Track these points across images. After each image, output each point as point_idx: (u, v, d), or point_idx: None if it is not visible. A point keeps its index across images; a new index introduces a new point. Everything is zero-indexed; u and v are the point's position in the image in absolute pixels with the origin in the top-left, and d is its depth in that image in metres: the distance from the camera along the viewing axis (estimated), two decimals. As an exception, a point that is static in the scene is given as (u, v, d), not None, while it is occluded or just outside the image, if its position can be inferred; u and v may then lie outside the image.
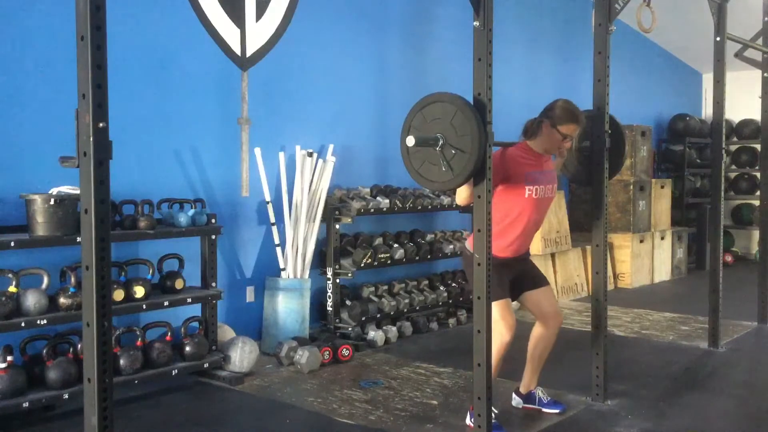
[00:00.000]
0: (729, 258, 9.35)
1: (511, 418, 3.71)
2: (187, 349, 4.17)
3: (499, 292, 3.47)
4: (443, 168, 2.98)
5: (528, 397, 3.83)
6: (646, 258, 8.07)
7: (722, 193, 5.19)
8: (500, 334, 3.44)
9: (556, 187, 3.68)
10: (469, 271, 3.40)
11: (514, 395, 3.88)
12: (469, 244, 3.53)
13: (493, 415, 3.42)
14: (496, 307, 3.39)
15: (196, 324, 4.36)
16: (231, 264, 4.99)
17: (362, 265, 5.22)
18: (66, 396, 3.60)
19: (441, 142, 2.96)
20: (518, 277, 3.63)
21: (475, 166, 2.90)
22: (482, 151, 2.89)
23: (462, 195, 3.22)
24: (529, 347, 3.78)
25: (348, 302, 5.30)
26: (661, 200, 8.40)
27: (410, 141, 2.96)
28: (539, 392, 3.82)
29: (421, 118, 3.06)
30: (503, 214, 3.49)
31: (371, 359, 4.85)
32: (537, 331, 3.73)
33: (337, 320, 5.21)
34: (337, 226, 5.22)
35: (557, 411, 3.77)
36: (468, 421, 3.55)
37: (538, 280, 3.70)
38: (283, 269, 5.06)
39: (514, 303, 3.69)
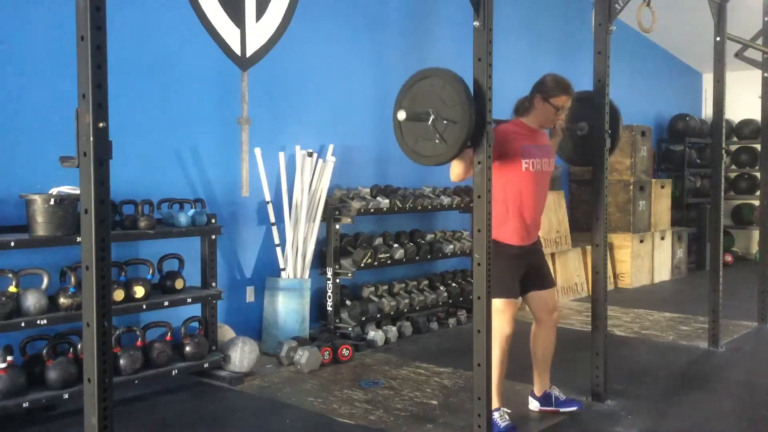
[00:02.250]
0: (729, 258, 9.35)
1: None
2: (187, 349, 4.17)
3: (510, 290, 3.50)
4: (437, 141, 3.02)
5: (545, 399, 3.79)
6: (646, 258, 8.07)
7: (722, 193, 5.19)
8: (500, 328, 3.45)
9: (554, 162, 3.69)
10: None
11: (530, 398, 3.85)
12: None
13: (507, 416, 3.51)
14: (502, 303, 3.44)
15: (196, 324, 4.36)
16: (231, 264, 4.99)
17: (362, 265, 5.22)
18: (66, 396, 3.60)
19: (432, 116, 3.00)
20: (529, 272, 3.60)
21: (467, 134, 2.94)
22: (473, 119, 2.93)
23: (456, 171, 3.27)
24: (532, 349, 3.79)
25: (348, 302, 5.29)
26: (661, 200, 8.40)
27: (401, 115, 3.00)
28: (555, 392, 3.79)
29: (410, 97, 3.11)
30: (502, 194, 3.47)
31: (371, 359, 4.85)
32: (535, 329, 3.76)
33: (337, 320, 5.21)
34: (337, 226, 5.22)
35: (575, 408, 3.76)
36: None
37: (547, 281, 3.70)
38: (283, 269, 5.06)
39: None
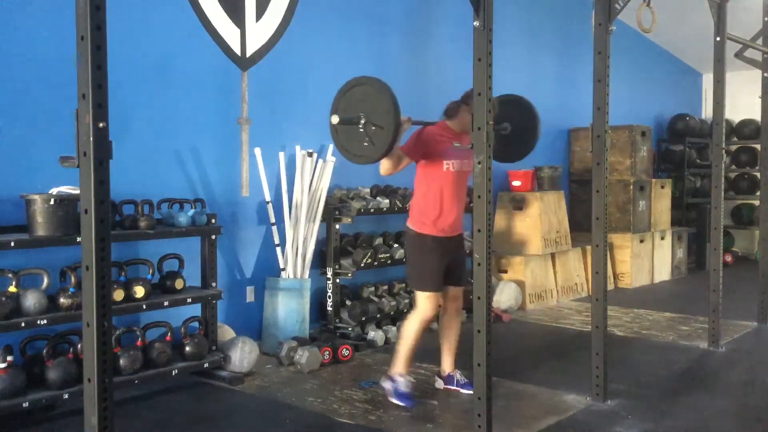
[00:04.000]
0: (729, 258, 9.34)
1: (511, 417, 3.71)
2: (187, 349, 4.17)
3: (438, 284, 3.89)
4: (366, 143, 3.33)
5: (447, 380, 4.16)
6: (646, 258, 8.07)
7: (722, 193, 5.19)
8: (424, 311, 3.88)
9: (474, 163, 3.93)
10: (409, 252, 4.02)
11: (437, 377, 4.21)
12: (411, 224, 3.95)
13: (408, 385, 3.93)
14: (429, 298, 3.85)
15: (196, 324, 4.36)
16: (231, 264, 4.99)
17: (362, 265, 5.22)
18: (66, 396, 3.60)
19: (363, 121, 3.30)
20: (449, 267, 3.97)
21: (393, 139, 3.31)
22: (397, 126, 3.32)
23: (384, 166, 3.73)
24: (440, 334, 4.17)
25: (348, 302, 5.30)
26: (661, 200, 8.40)
27: (335, 119, 3.32)
28: (457, 374, 4.15)
29: (346, 100, 3.41)
30: (425, 189, 3.91)
31: (371, 359, 4.85)
32: (443, 318, 4.15)
33: (337, 320, 5.21)
34: (337, 226, 5.22)
35: (471, 392, 3.91)
36: (383, 382, 3.99)
37: (462, 280, 4.12)
38: (283, 269, 5.06)
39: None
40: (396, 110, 3.29)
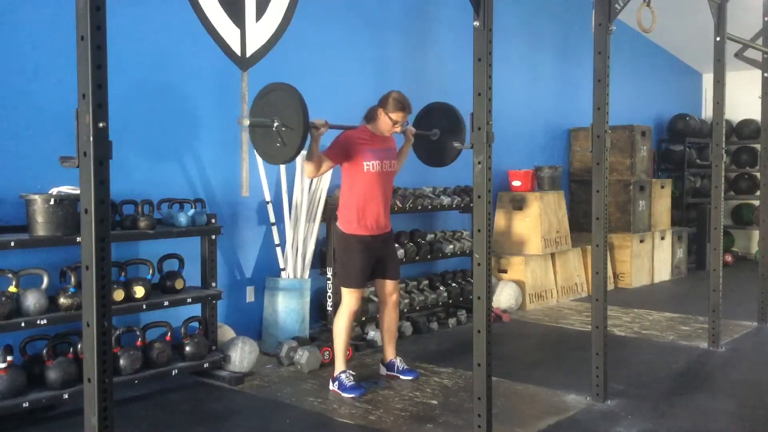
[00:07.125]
0: (729, 258, 9.34)
1: (511, 417, 3.71)
2: (187, 349, 4.17)
3: (360, 281, 4.13)
4: (278, 144, 3.50)
5: (389, 366, 4.43)
6: (646, 258, 8.06)
7: (722, 193, 5.19)
8: (348, 305, 4.15)
9: (396, 163, 4.26)
10: (337, 251, 4.24)
11: (380, 365, 4.48)
12: (339, 225, 4.16)
13: (352, 378, 4.15)
14: (353, 293, 4.11)
15: (196, 324, 4.36)
16: (231, 264, 4.99)
17: (362, 265, 5.21)
18: (66, 396, 3.60)
19: (276, 123, 3.45)
20: (378, 262, 4.22)
21: (302, 139, 3.46)
22: (306, 127, 3.47)
23: (307, 169, 3.99)
24: (380, 325, 4.46)
25: (348, 302, 5.29)
26: (661, 200, 8.40)
27: (245, 122, 3.44)
28: (398, 361, 4.43)
29: (262, 105, 3.57)
30: (350, 191, 4.12)
31: (371, 359, 4.85)
32: (380, 310, 4.43)
33: (337, 320, 5.20)
34: (337, 226, 5.21)
35: (410, 378, 4.35)
36: (331, 386, 4.16)
37: (390, 273, 4.32)
38: (283, 269, 5.06)
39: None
40: (304, 112, 3.47)
